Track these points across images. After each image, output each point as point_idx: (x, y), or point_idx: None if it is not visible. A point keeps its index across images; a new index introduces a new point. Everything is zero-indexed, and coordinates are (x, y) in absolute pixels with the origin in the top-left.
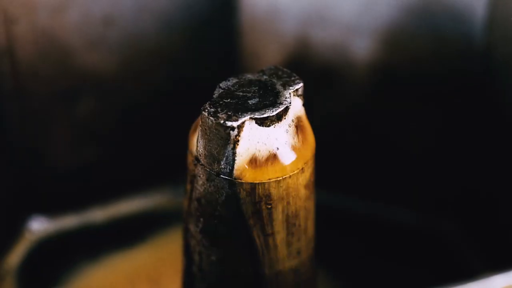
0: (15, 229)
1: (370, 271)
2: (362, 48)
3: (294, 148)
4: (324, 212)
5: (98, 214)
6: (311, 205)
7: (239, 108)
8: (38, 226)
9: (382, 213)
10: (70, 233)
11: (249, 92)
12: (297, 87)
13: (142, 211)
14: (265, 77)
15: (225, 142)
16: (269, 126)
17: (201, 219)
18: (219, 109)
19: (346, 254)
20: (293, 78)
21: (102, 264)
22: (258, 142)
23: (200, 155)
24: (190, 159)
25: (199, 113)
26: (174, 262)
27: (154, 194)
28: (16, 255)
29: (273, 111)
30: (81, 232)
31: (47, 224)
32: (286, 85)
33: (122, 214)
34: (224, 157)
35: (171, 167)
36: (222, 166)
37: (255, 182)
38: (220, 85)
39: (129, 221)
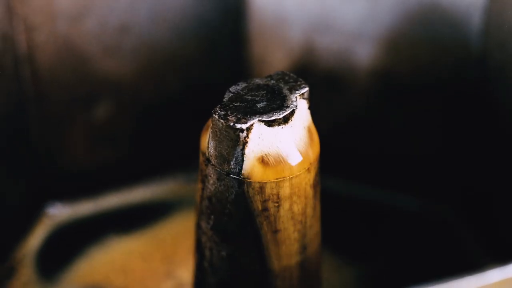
0: (34, 215)
1: (375, 255)
2: (364, 54)
3: (300, 149)
4: (330, 199)
5: (113, 200)
6: (316, 203)
7: (248, 111)
8: (56, 211)
9: (387, 200)
10: (85, 218)
11: (257, 96)
12: (303, 91)
13: (155, 197)
14: (272, 81)
15: (234, 143)
16: (276, 128)
17: (212, 217)
18: (229, 112)
19: (353, 238)
20: (299, 83)
21: (117, 246)
22: (266, 144)
23: (211, 156)
24: (201, 159)
25: (209, 115)
26: (186, 243)
27: (167, 181)
28: (34, 239)
29: (280, 114)
30: (96, 217)
31: (64, 209)
32: (293, 89)
33: (136, 200)
34: (233, 157)
35: (183, 162)
36: (232, 166)
37: (263, 181)
38: (230, 89)
39: (143, 206)
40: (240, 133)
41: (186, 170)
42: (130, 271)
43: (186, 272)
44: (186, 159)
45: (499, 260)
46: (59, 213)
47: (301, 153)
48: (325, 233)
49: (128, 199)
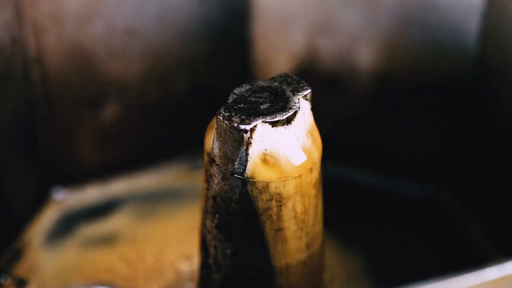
0: (41, 200)
1: (378, 237)
2: (365, 56)
3: (303, 150)
4: (332, 186)
5: (119, 186)
6: (319, 202)
7: (252, 112)
8: (63, 196)
9: (389, 185)
10: (92, 203)
11: (261, 97)
12: (305, 93)
13: (161, 183)
14: (275, 83)
15: (238, 144)
16: (279, 129)
17: (217, 216)
18: (233, 113)
19: (357, 222)
20: (301, 85)
21: (122, 231)
22: (269, 144)
23: (215, 156)
24: (206, 159)
25: (214, 116)
26: (191, 225)
27: (172, 169)
28: (41, 223)
29: (283, 115)
30: (103, 203)
31: (71, 194)
32: (295, 91)
33: (142, 186)
34: (237, 157)
35: (188, 160)
36: (236, 166)
37: (267, 181)
38: (234, 91)
39: (148, 192)
40: (244, 134)
41: (192, 163)
42: (134, 258)
43: (189, 263)
44: (192, 158)
45: (498, 245)
46: (66, 198)
47: (303, 153)
48: (329, 221)
49: (133, 185)
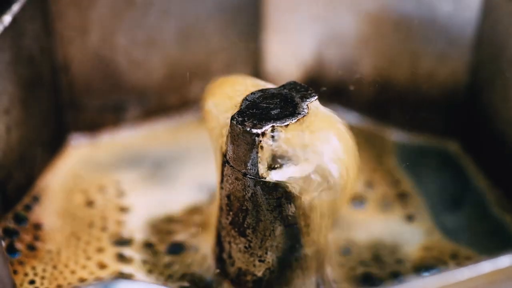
0: (57, 146)
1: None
2: (369, 65)
3: (311, 151)
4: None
5: (132, 134)
6: (325, 200)
7: (263, 117)
8: (78, 143)
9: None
10: (106, 151)
11: (271, 103)
12: (312, 99)
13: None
14: (285, 90)
15: (251, 146)
16: (289, 132)
17: (230, 213)
18: (246, 118)
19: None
20: (309, 92)
21: (130, 177)
22: (279, 147)
23: (229, 158)
24: (220, 161)
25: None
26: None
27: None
28: (57, 170)
29: (292, 120)
30: (116, 149)
31: (87, 140)
32: (303, 98)
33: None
34: (250, 159)
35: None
36: (249, 167)
37: (277, 181)
38: (247, 97)
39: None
40: (256, 138)
41: None
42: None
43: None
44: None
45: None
46: (82, 145)
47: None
48: None
49: (147, 132)
